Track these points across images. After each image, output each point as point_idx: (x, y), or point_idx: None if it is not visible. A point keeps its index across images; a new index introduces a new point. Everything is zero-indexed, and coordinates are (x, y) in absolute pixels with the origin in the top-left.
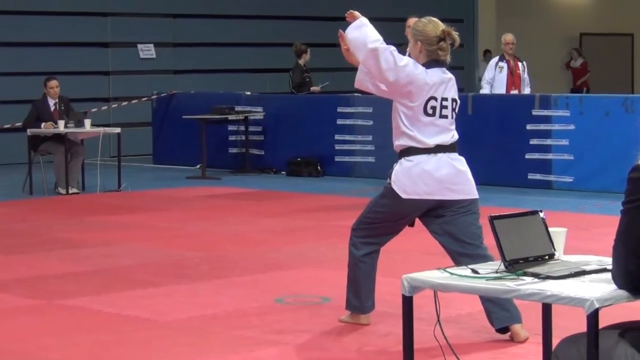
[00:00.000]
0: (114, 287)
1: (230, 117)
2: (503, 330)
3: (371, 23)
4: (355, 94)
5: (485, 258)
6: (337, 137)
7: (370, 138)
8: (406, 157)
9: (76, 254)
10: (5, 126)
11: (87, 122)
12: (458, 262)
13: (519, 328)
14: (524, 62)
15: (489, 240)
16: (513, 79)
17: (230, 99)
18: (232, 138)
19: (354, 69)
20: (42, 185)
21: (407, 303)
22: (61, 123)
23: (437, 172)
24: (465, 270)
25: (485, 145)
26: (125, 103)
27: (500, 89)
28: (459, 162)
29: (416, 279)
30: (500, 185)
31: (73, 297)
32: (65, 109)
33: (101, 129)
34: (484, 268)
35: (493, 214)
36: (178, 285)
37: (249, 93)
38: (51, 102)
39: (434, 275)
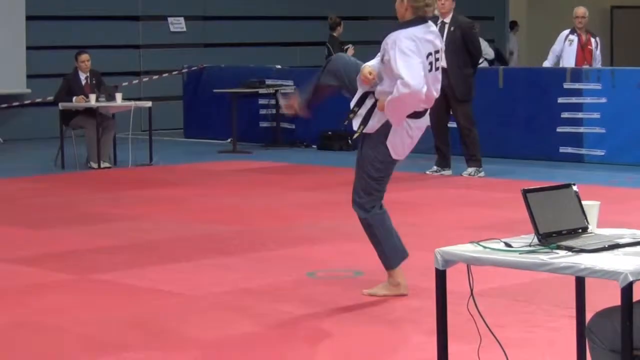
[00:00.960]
0: (146, 261)
1: (261, 91)
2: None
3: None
4: None
5: None
6: None
7: None
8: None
9: (109, 228)
10: (37, 100)
11: (119, 96)
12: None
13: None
14: (597, 39)
15: (522, 213)
16: (584, 53)
17: (261, 72)
18: (262, 112)
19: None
20: (74, 160)
21: (440, 277)
22: (92, 97)
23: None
24: (498, 244)
25: (516, 119)
26: (156, 77)
27: (569, 62)
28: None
29: (449, 252)
30: (531, 159)
31: (106, 271)
32: (96, 82)
33: (132, 103)
34: (517, 241)
35: (526, 187)
36: (210, 260)
37: (279, 66)
38: (82, 76)
39: (467, 249)
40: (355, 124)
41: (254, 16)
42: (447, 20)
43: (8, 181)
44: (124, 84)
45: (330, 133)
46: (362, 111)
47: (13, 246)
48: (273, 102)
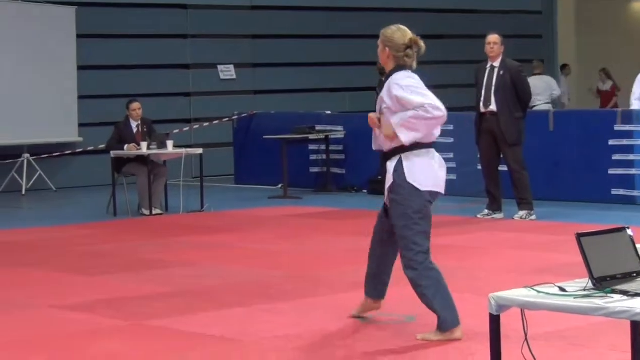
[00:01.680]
0: (199, 307)
1: (311, 137)
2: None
3: (453, 40)
4: None
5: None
6: None
7: (451, 155)
8: (410, 151)
9: (161, 274)
10: (89, 148)
11: (170, 144)
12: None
13: (367, 301)
14: None
15: (575, 257)
16: None
17: (311, 118)
18: (313, 157)
19: (434, 87)
20: (126, 207)
21: (495, 322)
22: (144, 145)
23: (438, 168)
24: (552, 288)
25: (567, 161)
26: (206, 124)
27: None
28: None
29: (503, 297)
30: (583, 201)
31: (159, 317)
32: (147, 130)
33: (183, 150)
34: (571, 286)
35: (579, 232)
36: (262, 305)
37: (329, 112)
38: (134, 124)
39: (522, 294)
40: None
41: (303, 62)
42: (497, 64)
43: (61, 229)
44: (175, 131)
45: (380, 178)
46: None
47: (65, 293)
48: (323, 147)
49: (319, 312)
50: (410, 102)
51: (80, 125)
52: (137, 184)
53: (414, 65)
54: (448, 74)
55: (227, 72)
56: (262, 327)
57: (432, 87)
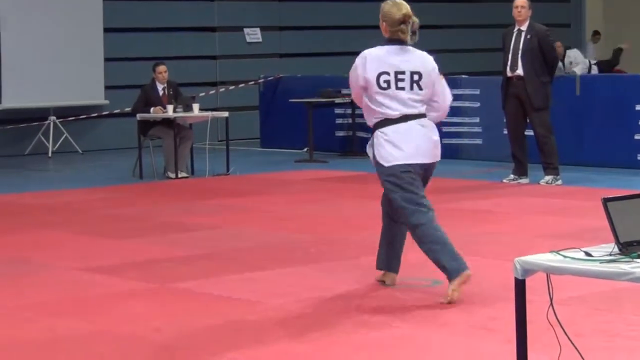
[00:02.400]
0: (224, 270)
1: (337, 100)
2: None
3: (481, 4)
4: (462, 76)
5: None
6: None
7: (477, 120)
8: (379, 130)
9: (186, 237)
10: (115, 111)
11: (196, 107)
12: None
13: (387, 275)
14: None
15: (601, 222)
16: None
17: (337, 82)
18: (339, 121)
19: (461, 51)
20: (152, 170)
21: (520, 286)
22: (170, 108)
23: (410, 138)
24: (578, 253)
25: (593, 126)
26: (232, 87)
27: None
28: (425, 129)
29: (529, 262)
30: (609, 167)
31: (184, 280)
32: (173, 93)
33: (209, 114)
34: (597, 251)
35: (606, 196)
36: (287, 269)
37: None
38: (160, 87)
39: (547, 258)
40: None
41: (330, 26)
42: (524, 28)
43: (86, 191)
44: (201, 94)
45: None
46: None
47: (92, 256)
48: (349, 111)
49: (345, 275)
50: None
51: (107, 87)
52: (163, 147)
53: (409, 39)
54: (476, 38)
55: (254, 35)
56: (286, 291)
57: (461, 50)
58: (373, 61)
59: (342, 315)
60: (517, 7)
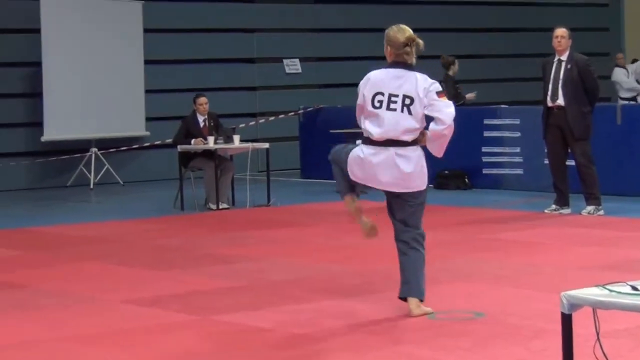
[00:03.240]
0: (267, 302)
1: None
2: (403, 300)
3: (520, 33)
4: (502, 106)
5: (411, 247)
6: (484, 149)
7: (518, 150)
8: (363, 143)
9: (228, 269)
10: (156, 142)
11: (236, 138)
12: (397, 234)
13: (413, 302)
14: None
15: None
16: None
17: None
18: None
19: (501, 80)
20: (193, 201)
21: (567, 321)
22: (211, 139)
23: (377, 168)
24: (624, 287)
25: (635, 156)
26: (272, 118)
27: None
28: (401, 159)
29: (576, 296)
30: None
31: (227, 312)
32: (214, 125)
33: (250, 145)
34: None
35: None
36: (331, 301)
37: None
38: (200, 119)
39: (594, 293)
40: None
41: (369, 56)
42: (564, 57)
43: (128, 223)
44: (241, 125)
45: (446, 172)
46: None
47: (134, 287)
48: None
49: (388, 308)
50: None
51: (148, 119)
52: (204, 178)
53: (413, 60)
54: (515, 67)
55: (293, 65)
56: (332, 323)
57: (501, 80)
58: (373, 81)
59: (386, 349)
60: (557, 37)
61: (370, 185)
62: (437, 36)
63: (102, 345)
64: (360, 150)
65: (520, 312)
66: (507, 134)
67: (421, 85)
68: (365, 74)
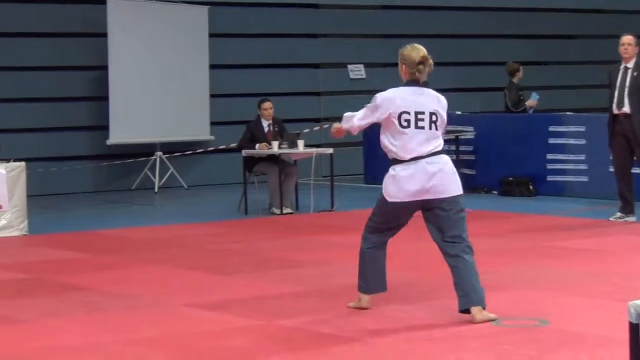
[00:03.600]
0: (330, 307)
1: None
2: (466, 311)
3: (586, 40)
4: (568, 113)
5: (458, 256)
6: (549, 156)
7: (583, 157)
8: (391, 166)
9: (292, 273)
10: (220, 147)
11: (300, 143)
12: (442, 249)
13: (475, 309)
14: None
15: None
16: None
17: None
18: None
19: (567, 87)
20: (257, 206)
21: (634, 330)
22: (275, 144)
23: (411, 180)
24: None
25: None
26: (336, 123)
27: None
28: (433, 166)
29: None
30: None
31: (291, 317)
32: (279, 130)
33: (314, 150)
34: None
35: None
36: (393, 306)
37: (459, 112)
38: (265, 123)
39: None
40: None
41: (434, 62)
42: (630, 65)
43: (192, 226)
44: (305, 130)
45: (511, 179)
46: None
47: (198, 291)
48: (453, 147)
49: (450, 315)
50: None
51: (212, 123)
52: (267, 183)
53: (424, 78)
54: (582, 74)
55: (357, 71)
56: (394, 329)
57: (566, 87)
58: (396, 100)
59: (452, 357)
60: (623, 44)
61: (408, 199)
62: (503, 43)
63: (166, 349)
64: (392, 170)
65: (586, 321)
66: (572, 141)
67: (442, 102)
68: (430, 80)
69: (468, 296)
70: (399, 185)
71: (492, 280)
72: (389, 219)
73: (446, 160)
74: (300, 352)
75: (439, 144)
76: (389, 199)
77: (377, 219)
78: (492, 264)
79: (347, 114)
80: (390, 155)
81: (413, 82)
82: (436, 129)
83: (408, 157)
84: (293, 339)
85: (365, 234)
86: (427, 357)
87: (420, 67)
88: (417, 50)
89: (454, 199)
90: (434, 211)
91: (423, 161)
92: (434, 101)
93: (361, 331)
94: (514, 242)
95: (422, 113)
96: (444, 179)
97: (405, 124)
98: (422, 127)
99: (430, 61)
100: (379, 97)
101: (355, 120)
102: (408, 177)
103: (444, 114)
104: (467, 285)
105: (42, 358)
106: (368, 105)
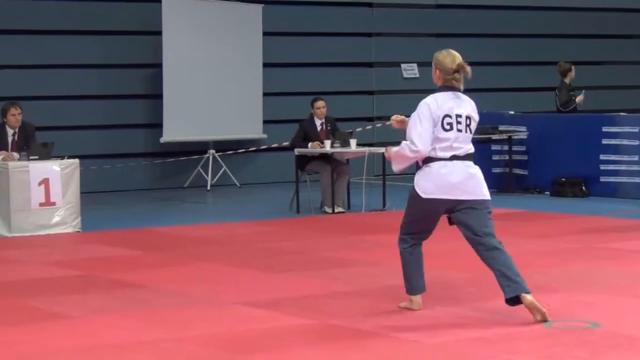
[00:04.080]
0: (381, 307)
1: (494, 137)
2: (514, 300)
3: (634, 39)
4: (621, 113)
5: (495, 248)
6: (602, 157)
7: (636, 158)
8: (425, 164)
9: (343, 272)
10: (273, 145)
11: (353, 142)
12: (475, 248)
13: (527, 297)
14: None
15: None
16: None
17: (494, 118)
18: (495, 157)
19: (618, 88)
20: (309, 204)
21: None
22: (327, 143)
23: (450, 177)
24: None
25: None
26: (389, 122)
27: None
28: (472, 169)
29: None
30: None
31: (342, 317)
32: (331, 128)
33: (366, 149)
34: None
35: None
36: (444, 307)
37: (512, 112)
38: (318, 122)
39: None
40: None
41: (487, 62)
42: None
43: (244, 225)
44: (358, 129)
45: (563, 179)
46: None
47: (249, 289)
48: (506, 147)
49: (503, 316)
50: (407, 131)
51: (265, 122)
52: (320, 182)
53: (461, 87)
54: (635, 74)
55: (411, 70)
56: (444, 330)
57: (620, 87)
58: (439, 104)
59: (500, 358)
60: None
61: (442, 196)
62: (557, 42)
63: (217, 347)
64: (427, 167)
65: (638, 323)
66: (625, 141)
67: (474, 107)
68: (483, 80)
69: (516, 283)
70: (437, 180)
71: (544, 282)
72: (420, 217)
73: (477, 166)
74: (351, 352)
75: (471, 147)
76: (424, 196)
77: (409, 219)
78: (543, 265)
79: (403, 145)
80: (396, 169)
81: (448, 87)
82: (471, 132)
83: (448, 155)
84: (343, 338)
85: (401, 236)
86: (480, 358)
87: (457, 75)
88: (452, 57)
89: (487, 202)
90: (466, 210)
91: (460, 162)
92: (468, 105)
93: (412, 332)
94: (566, 243)
95: (460, 116)
96: (479, 181)
97: (447, 127)
98: (460, 130)
99: (468, 68)
100: (424, 104)
101: (419, 144)
102: (447, 173)
103: (477, 118)
104: (512, 272)
105: (93, 355)
106: (416, 115)
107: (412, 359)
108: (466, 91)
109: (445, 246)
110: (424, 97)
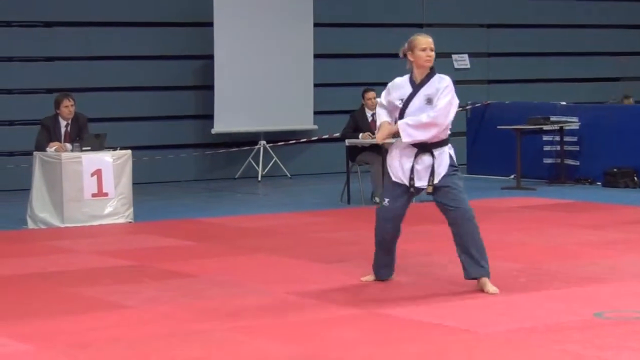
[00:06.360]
0: (432, 297)
1: (546, 127)
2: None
3: None
4: None
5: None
6: None
7: None
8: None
9: (397, 263)
10: (324, 136)
11: None
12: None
13: (487, 281)
14: None
15: None
16: None
17: (546, 109)
18: (547, 148)
19: None
20: (360, 195)
21: None
22: None
23: None
24: None
25: None
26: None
27: None
28: None
29: None
30: None
31: (393, 306)
32: None
33: None
34: None
35: None
36: (496, 297)
37: (564, 103)
38: (369, 113)
39: None
40: None
41: (538, 52)
42: None
43: (295, 215)
44: None
45: (615, 170)
46: None
47: (301, 279)
48: (557, 138)
49: (553, 306)
50: (437, 101)
51: (316, 112)
52: (370, 173)
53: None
54: None
55: (462, 61)
56: (496, 319)
57: None
58: None
59: (554, 348)
60: None
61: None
62: (609, 33)
63: (268, 336)
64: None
65: None
66: None
67: None
68: (535, 71)
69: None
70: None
71: (596, 272)
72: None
73: None
74: (403, 342)
75: None
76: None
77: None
78: (595, 255)
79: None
80: (446, 134)
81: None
82: None
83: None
84: (394, 328)
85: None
86: (531, 348)
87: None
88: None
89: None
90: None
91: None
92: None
93: (463, 322)
94: (617, 233)
95: None
96: None
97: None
98: None
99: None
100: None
101: (452, 111)
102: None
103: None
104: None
105: (146, 344)
106: (451, 91)
107: (463, 348)
108: (519, 82)
109: (496, 236)
110: (475, 88)
